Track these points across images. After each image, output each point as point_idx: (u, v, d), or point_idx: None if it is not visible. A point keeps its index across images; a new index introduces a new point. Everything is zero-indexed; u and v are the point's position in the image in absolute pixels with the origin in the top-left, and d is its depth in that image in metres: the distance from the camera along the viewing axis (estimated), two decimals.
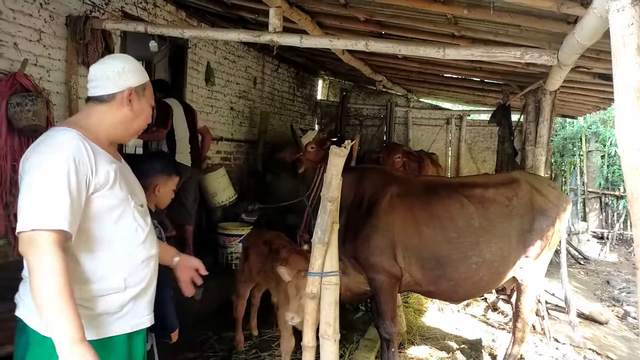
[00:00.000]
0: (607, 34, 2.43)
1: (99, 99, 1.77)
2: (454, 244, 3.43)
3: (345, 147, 2.61)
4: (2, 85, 3.50)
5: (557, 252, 4.84)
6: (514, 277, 3.72)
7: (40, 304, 1.46)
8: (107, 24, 4.10)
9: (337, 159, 2.60)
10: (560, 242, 4.13)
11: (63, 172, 1.55)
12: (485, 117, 10.95)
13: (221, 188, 6.03)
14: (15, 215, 3.61)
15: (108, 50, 4.38)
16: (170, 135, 5.05)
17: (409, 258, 3.46)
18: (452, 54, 3.26)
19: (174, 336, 2.31)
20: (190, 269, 2.22)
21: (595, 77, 4.35)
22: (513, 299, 4.05)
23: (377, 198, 3.57)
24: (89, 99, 1.81)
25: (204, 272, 2.25)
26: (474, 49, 3.24)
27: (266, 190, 4.06)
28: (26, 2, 3.78)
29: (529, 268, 3.65)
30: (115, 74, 1.77)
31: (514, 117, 7.15)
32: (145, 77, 1.86)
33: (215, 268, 5.33)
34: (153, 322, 1.87)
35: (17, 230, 1.51)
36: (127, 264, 1.74)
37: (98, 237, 1.67)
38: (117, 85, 1.77)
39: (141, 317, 1.81)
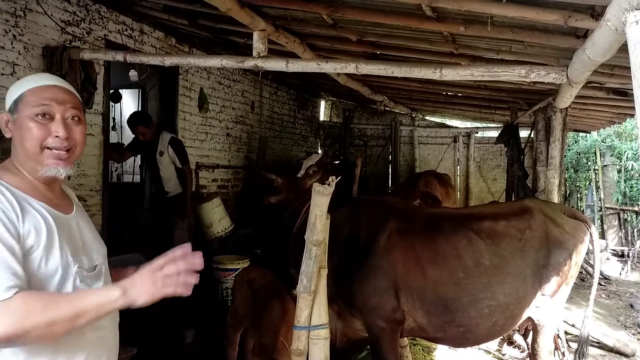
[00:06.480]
0: (623, 48, 2.15)
1: None
2: (463, 286, 3.06)
3: (329, 185, 2.30)
4: None
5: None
6: (529, 317, 3.35)
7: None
8: (84, 53, 3.88)
9: (320, 198, 2.29)
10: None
11: None
12: (494, 134, 10.63)
13: (216, 219, 5.75)
14: None
15: (89, 81, 4.16)
16: None
17: (412, 301, 3.11)
18: (450, 74, 2.97)
19: None
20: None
21: (609, 93, 4.02)
22: (529, 339, 3.67)
23: (375, 234, 3.24)
24: None
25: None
26: (474, 68, 2.94)
27: None
28: None
29: (546, 306, 3.28)
30: None
31: (524, 133, 6.82)
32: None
33: (209, 306, 5.00)
34: None
35: None
36: (63, 347, 1.38)
37: None
38: None
39: None
